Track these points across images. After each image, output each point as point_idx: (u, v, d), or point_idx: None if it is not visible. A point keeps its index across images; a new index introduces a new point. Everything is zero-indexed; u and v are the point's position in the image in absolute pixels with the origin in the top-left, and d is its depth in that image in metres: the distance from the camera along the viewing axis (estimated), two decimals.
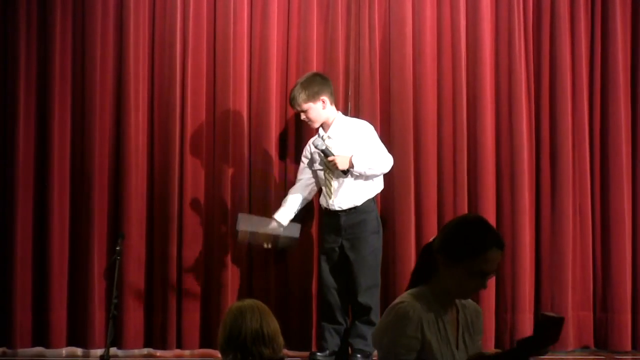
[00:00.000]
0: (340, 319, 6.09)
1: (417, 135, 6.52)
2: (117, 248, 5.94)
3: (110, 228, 6.37)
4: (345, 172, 5.91)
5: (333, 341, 6.08)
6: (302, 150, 6.28)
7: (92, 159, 6.37)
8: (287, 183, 6.43)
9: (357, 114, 6.41)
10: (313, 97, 5.99)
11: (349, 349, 6.08)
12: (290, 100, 6.08)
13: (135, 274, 6.36)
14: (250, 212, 6.35)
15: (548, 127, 6.60)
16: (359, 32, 6.52)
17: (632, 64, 6.68)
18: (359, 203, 6.00)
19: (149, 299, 6.41)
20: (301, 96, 5.98)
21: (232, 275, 6.38)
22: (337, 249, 6.03)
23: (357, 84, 6.51)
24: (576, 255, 6.55)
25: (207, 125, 6.46)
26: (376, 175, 6.03)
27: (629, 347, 6.53)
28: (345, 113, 6.27)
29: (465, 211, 6.47)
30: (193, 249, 6.40)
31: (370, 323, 6.00)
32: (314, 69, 6.42)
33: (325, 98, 6.03)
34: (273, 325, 3.48)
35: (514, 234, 6.50)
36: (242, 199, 6.42)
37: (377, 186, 6.09)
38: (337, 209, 6.00)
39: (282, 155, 6.49)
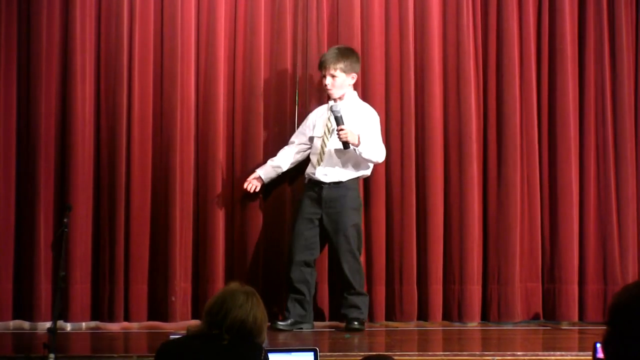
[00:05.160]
0: (303, 289, 6.12)
1: None
2: (64, 220, 5.88)
3: (57, 200, 6.31)
4: (346, 146, 5.94)
5: (295, 311, 6.13)
6: (251, 118, 6.35)
7: (38, 130, 6.29)
8: (234, 150, 6.44)
9: (305, 85, 6.44)
10: (349, 69, 6.13)
11: (345, 319, 6.14)
12: (323, 61, 6.14)
13: (82, 247, 6.30)
14: (196, 180, 6.35)
15: (495, 98, 6.58)
16: (307, 3, 6.50)
17: (579, 33, 6.65)
18: (343, 179, 6.09)
19: (96, 272, 6.35)
20: (339, 64, 6.10)
21: (180, 248, 6.34)
22: (315, 220, 6.11)
23: (305, 55, 6.49)
24: (524, 226, 6.53)
25: (154, 95, 6.42)
26: (368, 162, 6.11)
27: (576, 318, 6.53)
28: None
29: (413, 183, 6.47)
30: (140, 221, 6.35)
31: (359, 294, 6.11)
32: (262, 40, 6.46)
33: (355, 75, 6.18)
34: (260, 316, 3.39)
35: (461, 205, 6.48)
36: (190, 169, 6.40)
37: (364, 170, 6.18)
38: (322, 178, 6.07)
39: (229, 123, 6.47)
